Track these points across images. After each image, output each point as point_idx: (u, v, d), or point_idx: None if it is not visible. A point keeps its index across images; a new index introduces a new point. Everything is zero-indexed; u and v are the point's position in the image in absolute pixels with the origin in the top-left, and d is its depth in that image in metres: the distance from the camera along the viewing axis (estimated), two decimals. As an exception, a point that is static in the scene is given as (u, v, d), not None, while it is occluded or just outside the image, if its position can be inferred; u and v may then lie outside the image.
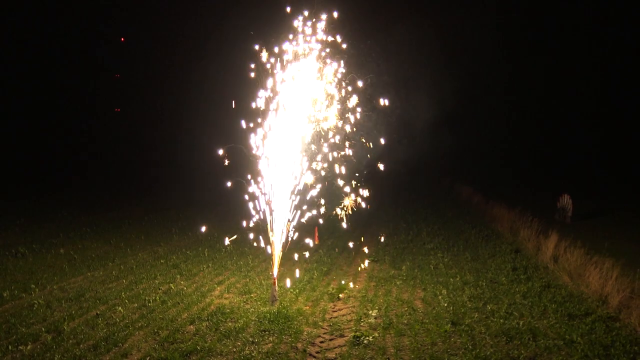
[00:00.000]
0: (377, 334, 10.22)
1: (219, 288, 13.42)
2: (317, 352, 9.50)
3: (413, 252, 18.00)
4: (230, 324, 10.74)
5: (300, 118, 11.82)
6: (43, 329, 10.15)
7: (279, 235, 12.06)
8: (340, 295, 12.85)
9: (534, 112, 62.30)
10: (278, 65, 11.78)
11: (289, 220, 12.02)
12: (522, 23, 62.22)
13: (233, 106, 11.79)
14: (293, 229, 12.14)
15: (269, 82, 11.69)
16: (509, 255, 16.98)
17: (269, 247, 12.08)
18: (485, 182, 39.50)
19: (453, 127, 54.62)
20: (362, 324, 10.87)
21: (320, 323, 10.98)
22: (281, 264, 14.81)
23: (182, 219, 24.15)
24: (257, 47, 11.70)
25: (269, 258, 12.19)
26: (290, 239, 12.15)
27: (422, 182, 45.13)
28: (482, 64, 58.07)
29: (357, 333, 10.20)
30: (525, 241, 18.41)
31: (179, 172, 44.71)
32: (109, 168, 48.71)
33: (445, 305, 11.94)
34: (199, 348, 9.42)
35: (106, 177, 43.63)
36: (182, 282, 13.82)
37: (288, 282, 13.01)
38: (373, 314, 11.37)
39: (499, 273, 14.80)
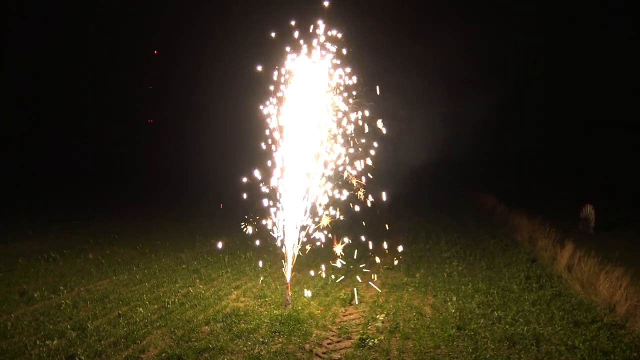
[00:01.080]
0: (382, 337, 10.58)
1: (235, 292, 13.98)
2: (324, 353, 9.93)
3: (429, 261, 18.24)
4: (243, 325, 11.26)
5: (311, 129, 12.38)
6: (69, 326, 10.86)
7: (291, 243, 12.58)
8: (352, 302, 13.25)
9: (564, 119, 61.47)
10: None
11: (301, 228, 12.54)
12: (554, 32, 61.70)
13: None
14: (305, 237, 12.64)
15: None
16: (524, 264, 17.07)
17: (282, 252, 12.61)
18: (511, 190, 39.18)
19: (484, 136, 54.56)
20: (369, 327, 11.25)
21: (329, 326, 11.41)
22: (298, 270, 15.38)
23: (206, 227, 24.85)
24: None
25: (291, 265, 12.69)
26: (301, 245, 12.65)
27: (446, 190, 44.91)
28: (515, 76, 57.82)
29: (364, 336, 10.59)
30: (543, 251, 18.45)
31: (207, 183, 45.60)
32: (141, 177, 50.05)
33: (453, 311, 12.21)
34: (211, 346, 9.97)
35: (137, 186, 44.87)
36: (201, 286, 14.44)
37: (307, 292, 13.47)
38: (380, 318, 11.73)
39: (511, 281, 14.95)
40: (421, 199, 39.07)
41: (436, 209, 34.25)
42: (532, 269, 16.44)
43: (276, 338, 10.56)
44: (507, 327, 11.04)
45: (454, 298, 13.28)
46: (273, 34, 12.27)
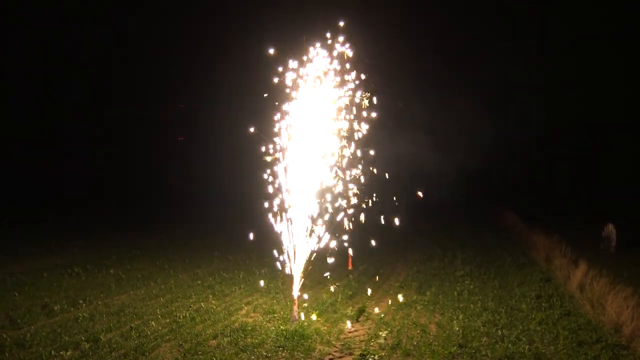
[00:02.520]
0: (383, 353, 10.78)
1: (246, 307, 14.36)
2: (324, 368, 10.20)
3: (442, 279, 18.28)
4: (249, 339, 11.60)
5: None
6: (83, 338, 11.39)
7: (300, 258, 12.92)
8: (359, 318, 13.48)
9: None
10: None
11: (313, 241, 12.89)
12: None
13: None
14: (314, 252, 12.98)
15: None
16: (537, 283, 16.99)
17: (289, 269, 12.96)
18: (535, 209, 38.74)
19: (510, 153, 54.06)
20: (372, 343, 11.45)
21: (333, 342, 11.65)
22: (310, 287, 15.69)
23: (224, 244, 25.30)
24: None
25: (298, 281, 13.03)
26: (310, 263, 12.98)
27: (466, 208, 44.50)
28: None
29: (365, 352, 10.82)
30: (558, 270, 18.32)
31: (231, 202, 46.28)
32: (165, 193, 51.07)
33: (457, 329, 12.30)
34: (215, 359, 10.35)
35: (161, 202, 45.81)
36: (214, 302, 14.86)
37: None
38: (384, 335, 11.93)
39: (521, 300, 14.93)
40: (443, 214, 38.91)
41: (457, 225, 34.12)
42: (544, 288, 16.36)
43: (280, 353, 10.87)
44: (509, 345, 11.10)
45: (461, 316, 13.36)
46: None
